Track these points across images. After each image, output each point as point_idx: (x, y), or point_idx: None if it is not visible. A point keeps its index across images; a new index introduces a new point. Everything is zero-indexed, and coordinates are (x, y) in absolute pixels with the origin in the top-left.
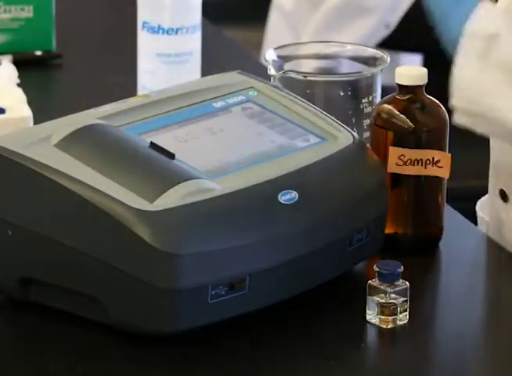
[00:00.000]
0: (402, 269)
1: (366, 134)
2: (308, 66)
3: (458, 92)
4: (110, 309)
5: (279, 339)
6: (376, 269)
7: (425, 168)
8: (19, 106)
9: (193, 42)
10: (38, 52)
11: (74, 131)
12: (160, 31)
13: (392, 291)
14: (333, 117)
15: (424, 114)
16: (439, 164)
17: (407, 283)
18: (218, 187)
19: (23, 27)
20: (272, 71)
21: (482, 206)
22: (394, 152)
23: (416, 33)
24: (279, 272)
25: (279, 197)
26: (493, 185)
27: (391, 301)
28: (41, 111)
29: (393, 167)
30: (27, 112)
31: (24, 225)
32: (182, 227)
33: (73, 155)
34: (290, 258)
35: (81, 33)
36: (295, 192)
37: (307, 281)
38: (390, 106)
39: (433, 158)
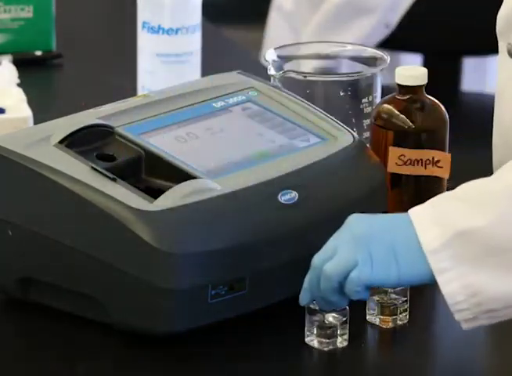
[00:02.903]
0: None
1: (366, 134)
2: (308, 66)
3: None
4: (110, 308)
5: (279, 339)
6: None
7: (425, 168)
8: (19, 106)
9: (193, 42)
10: (38, 52)
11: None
12: (160, 31)
13: (392, 291)
14: (333, 117)
15: (424, 114)
16: (439, 164)
17: None
18: (218, 187)
19: (23, 27)
20: (272, 71)
21: None
22: (394, 152)
23: (416, 33)
24: (279, 272)
25: (279, 196)
26: None
27: (391, 301)
28: (41, 111)
29: (393, 167)
30: (27, 112)
31: (24, 225)
32: (182, 227)
33: (73, 155)
34: (290, 258)
35: (81, 33)
36: (295, 192)
37: None
38: (390, 106)
39: (433, 158)
